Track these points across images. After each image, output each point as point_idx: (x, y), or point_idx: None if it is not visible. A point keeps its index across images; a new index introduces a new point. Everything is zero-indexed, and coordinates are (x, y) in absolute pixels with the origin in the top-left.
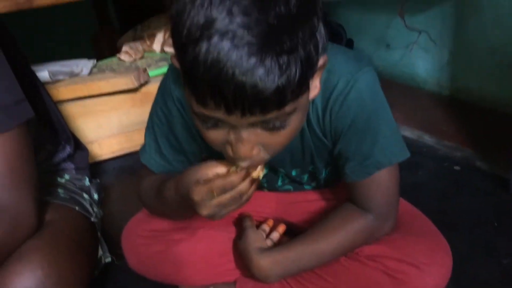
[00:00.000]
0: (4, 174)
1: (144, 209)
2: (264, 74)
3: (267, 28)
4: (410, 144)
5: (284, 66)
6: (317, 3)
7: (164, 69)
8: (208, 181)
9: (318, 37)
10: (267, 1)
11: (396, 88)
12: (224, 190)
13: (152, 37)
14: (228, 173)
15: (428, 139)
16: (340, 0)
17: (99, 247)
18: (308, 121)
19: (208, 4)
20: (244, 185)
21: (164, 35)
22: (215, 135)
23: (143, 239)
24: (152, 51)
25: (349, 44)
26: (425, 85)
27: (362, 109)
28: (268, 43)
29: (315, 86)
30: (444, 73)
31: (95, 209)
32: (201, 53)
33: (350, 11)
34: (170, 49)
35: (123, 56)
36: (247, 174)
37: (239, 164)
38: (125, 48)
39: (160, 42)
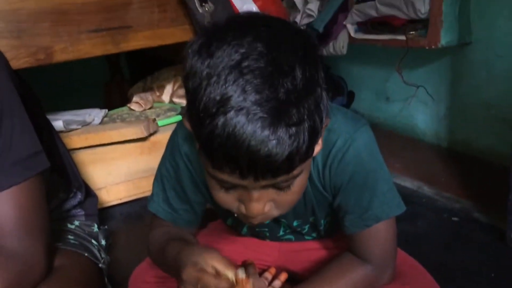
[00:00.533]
0: (18, 223)
1: (146, 259)
2: (275, 145)
3: (276, 104)
4: (409, 194)
5: (293, 137)
6: (319, 75)
7: (172, 119)
8: (202, 270)
9: (322, 107)
10: (276, 79)
11: (396, 139)
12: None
13: (161, 88)
14: (221, 276)
15: (427, 190)
16: (341, 54)
17: None
18: (310, 175)
19: (223, 83)
20: None
21: (173, 86)
22: (229, 198)
23: (150, 285)
24: (161, 101)
25: (350, 95)
26: (424, 137)
27: (360, 166)
28: (278, 117)
29: (318, 145)
30: (442, 126)
31: (103, 255)
32: (218, 127)
33: (351, 64)
34: (178, 100)
35: (133, 106)
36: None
37: (251, 222)
38: (135, 98)
39: (169, 93)
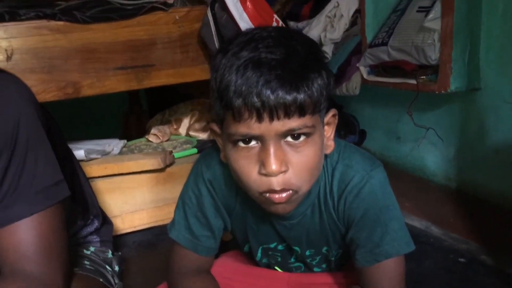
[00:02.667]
0: (39, 249)
1: (163, 284)
2: (284, 83)
3: (286, 56)
4: (418, 234)
5: (300, 78)
6: (324, 60)
7: (188, 152)
8: None
9: (326, 76)
10: (287, 43)
11: (406, 179)
12: None
13: (178, 121)
14: None
15: (435, 230)
16: (354, 94)
17: None
18: (326, 204)
19: (238, 50)
20: None
21: (190, 120)
22: (250, 164)
23: None
24: (178, 134)
25: (362, 134)
26: (434, 178)
27: (374, 203)
28: (288, 62)
29: (329, 142)
30: (452, 168)
31: (116, 281)
32: (233, 74)
33: (364, 104)
34: (195, 133)
35: (151, 137)
36: None
37: (273, 189)
38: (154, 130)
39: (186, 127)
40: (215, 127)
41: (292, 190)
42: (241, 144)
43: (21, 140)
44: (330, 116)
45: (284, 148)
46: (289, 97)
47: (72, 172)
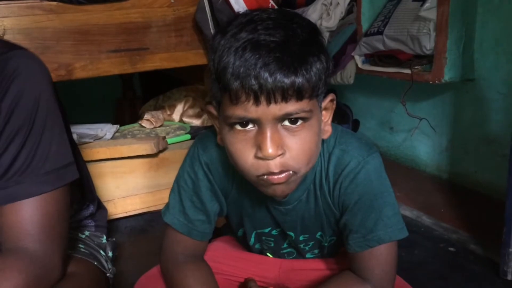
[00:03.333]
0: (43, 229)
1: (155, 267)
2: (281, 65)
3: (285, 38)
4: (409, 223)
5: (297, 62)
6: (322, 42)
7: (181, 138)
8: None
9: (324, 59)
10: (287, 25)
11: (398, 169)
12: None
13: (172, 107)
14: None
15: (426, 219)
16: (348, 83)
17: None
18: (322, 189)
19: (238, 31)
20: None
21: (184, 106)
22: (247, 147)
23: None
24: (171, 120)
25: (355, 124)
26: (425, 168)
27: (369, 189)
28: (287, 44)
29: (326, 127)
30: (443, 158)
31: (110, 266)
32: (231, 56)
33: (358, 94)
34: (188, 119)
35: (144, 123)
36: None
37: (270, 170)
38: (147, 116)
39: (179, 113)
40: (212, 110)
41: (290, 171)
42: (238, 127)
43: (39, 118)
44: (328, 101)
45: (281, 132)
46: (287, 81)
47: (74, 156)
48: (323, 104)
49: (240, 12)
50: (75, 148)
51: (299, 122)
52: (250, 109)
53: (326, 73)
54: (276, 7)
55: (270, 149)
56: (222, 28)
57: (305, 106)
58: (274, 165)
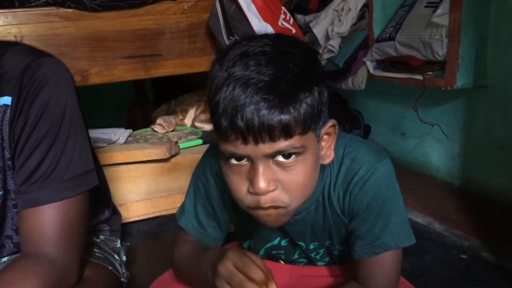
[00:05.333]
0: (63, 234)
1: (168, 271)
2: (268, 106)
3: (274, 77)
4: (420, 229)
5: (285, 102)
6: (319, 72)
7: (193, 142)
8: (238, 268)
9: (317, 93)
10: (279, 60)
11: (410, 175)
12: (239, 285)
13: (184, 112)
14: (253, 280)
15: (438, 226)
16: (360, 89)
17: None
18: (330, 200)
19: (232, 64)
20: None
21: (196, 111)
22: (240, 181)
23: None
24: (183, 125)
25: (367, 129)
26: (437, 174)
27: (378, 196)
28: (275, 85)
29: (328, 152)
30: (455, 164)
31: (124, 270)
32: (221, 94)
33: (369, 99)
34: (200, 124)
35: (157, 127)
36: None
37: (260, 205)
38: (159, 120)
39: (191, 118)
40: (214, 135)
41: (280, 207)
42: (233, 161)
43: (64, 125)
44: (329, 127)
45: (273, 167)
46: (273, 120)
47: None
48: (323, 131)
49: (253, 20)
50: (93, 154)
51: (293, 157)
52: (240, 147)
53: (319, 106)
54: (288, 13)
55: (261, 185)
56: (220, 57)
57: (295, 142)
58: (264, 200)
